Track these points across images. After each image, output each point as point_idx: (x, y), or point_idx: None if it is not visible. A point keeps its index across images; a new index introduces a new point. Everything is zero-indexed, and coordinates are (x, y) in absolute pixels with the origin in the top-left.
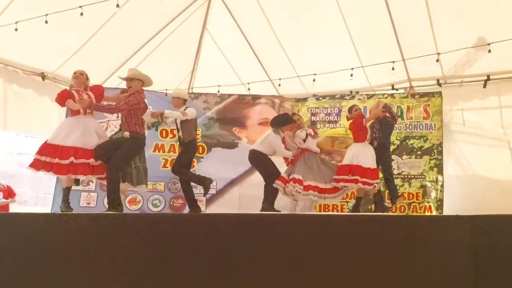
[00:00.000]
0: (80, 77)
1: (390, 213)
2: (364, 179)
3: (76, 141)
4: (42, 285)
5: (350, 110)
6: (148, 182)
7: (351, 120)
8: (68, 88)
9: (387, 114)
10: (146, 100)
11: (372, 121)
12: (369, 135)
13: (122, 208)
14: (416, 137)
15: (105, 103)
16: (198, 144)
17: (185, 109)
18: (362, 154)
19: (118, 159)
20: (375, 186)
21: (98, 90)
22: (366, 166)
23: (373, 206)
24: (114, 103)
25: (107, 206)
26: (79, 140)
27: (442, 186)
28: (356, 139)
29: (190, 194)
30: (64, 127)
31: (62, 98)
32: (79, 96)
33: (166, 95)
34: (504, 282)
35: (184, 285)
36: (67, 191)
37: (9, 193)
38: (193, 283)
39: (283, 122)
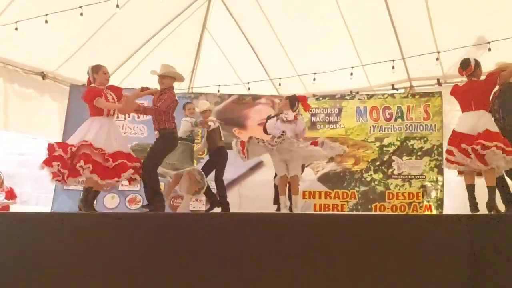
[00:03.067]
0: (108, 75)
1: (390, 213)
2: None
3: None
4: (42, 285)
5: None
6: None
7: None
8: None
9: None
10: (145, 103)
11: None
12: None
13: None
14: (417, 138)
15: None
16: None
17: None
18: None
19: (146, 160)
20: None
21: (118, 91)
22: None
23: (375, 205)
24: (152, 106)
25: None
26: (115, 144)
27: (442, 186)
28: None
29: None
30: (96, 129)
31: (90, 96)
32: (105, 95)
33: None
34: (504, 282)
35: (184, 285)
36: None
37: (11, 195)
38: (193, 283)
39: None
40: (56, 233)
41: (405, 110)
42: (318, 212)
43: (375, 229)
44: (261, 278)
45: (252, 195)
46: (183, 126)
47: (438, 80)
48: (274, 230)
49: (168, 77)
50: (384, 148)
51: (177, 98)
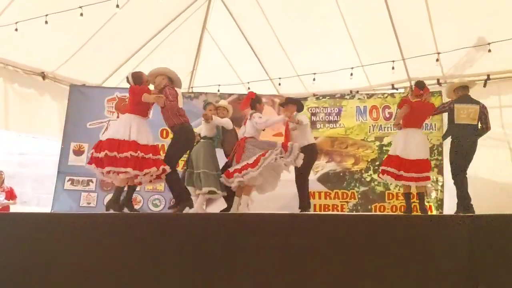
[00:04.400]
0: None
1: (390, 213)
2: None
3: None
4: (42, 285)
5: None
6: None
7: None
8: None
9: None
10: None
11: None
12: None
13: (191, 203)
14: None
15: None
16: None
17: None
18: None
19: (166, 158)
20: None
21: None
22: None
23: (374, 205)
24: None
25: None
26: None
27: (442, 186)
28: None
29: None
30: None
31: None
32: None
33: None
34: (504, 282)
35: (184, 285)
36: (122, 190)
37: (11, 195)
38: (193, 283)
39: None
40: (56, 233)
41: None
42: (318, 213)
43: (375, 230)
44: (261, 277)
45: (252, 195)
46: (204, 125)
47: (438, 80)
48: (274, 231)
49: (158, 76)
50: (384, 148)
51: (175, 91)
